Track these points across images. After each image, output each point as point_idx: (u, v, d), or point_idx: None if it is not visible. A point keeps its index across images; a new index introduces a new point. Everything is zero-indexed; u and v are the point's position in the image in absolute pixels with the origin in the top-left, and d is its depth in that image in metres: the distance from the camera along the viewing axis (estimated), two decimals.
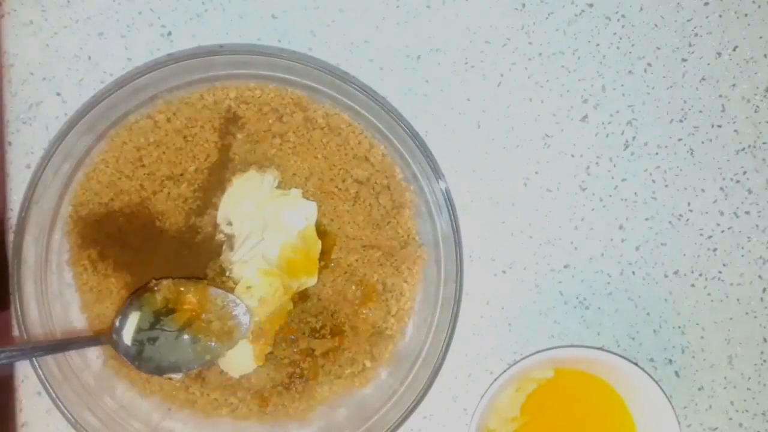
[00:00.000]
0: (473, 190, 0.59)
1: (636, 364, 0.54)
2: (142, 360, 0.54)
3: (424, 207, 0.56)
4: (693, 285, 0.60)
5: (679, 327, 0.60)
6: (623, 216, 0.60)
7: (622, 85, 0.60)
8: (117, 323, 0.54)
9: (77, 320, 0.55)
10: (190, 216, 0.56)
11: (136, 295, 0.54)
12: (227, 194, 0.55)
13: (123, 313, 0.54)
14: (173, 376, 0.54)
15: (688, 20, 0.60)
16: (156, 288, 0.54)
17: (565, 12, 0.60)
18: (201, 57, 0.54)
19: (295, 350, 0.56)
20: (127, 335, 0.54)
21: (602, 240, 0.59)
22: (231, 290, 0.54)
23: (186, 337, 0.54)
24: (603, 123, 0.60)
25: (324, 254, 0.56)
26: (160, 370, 0.54)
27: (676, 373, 0.60)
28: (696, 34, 0.60)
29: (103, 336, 0.54)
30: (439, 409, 0.59)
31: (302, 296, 0.56)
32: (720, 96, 0.60)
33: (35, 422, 0.57)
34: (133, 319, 0.54)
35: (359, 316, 0.56)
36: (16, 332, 0.53)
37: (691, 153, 0.60)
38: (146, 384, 0.55)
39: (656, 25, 0.60)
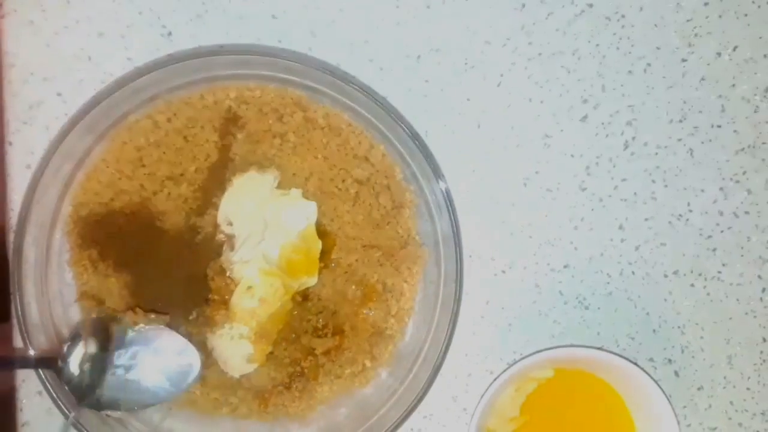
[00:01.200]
0: (473, 190, 0.59)
1: (636, 363, 0.54)
2: (83, 391, 0.51)
3: (424, 207, 0.56)
4: (693, 285, 0.60)
5: (679, 327, 0.60)
6: (623, 216, 0.60)
7: (622, 85, 0.60)
8: (65, 349, 0.52)
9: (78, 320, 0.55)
10: (190, 216, 0.56)
11: (88, 321, 0.53)
12: (227, 194, 0.55)
13: (72, 340, 0.52)
14: (111, 413, 0.53)
15: (688, 20, 0.60)
16: (113, 318, 0.53)
17: (565, 12, 0.60)
18: (201, 57, 0.54)
19: (296, 349, 0.56)
20: (74, 364, 0.51)
21: (602, 240, 0.60)
22: (231, 291, 0.54)
23: (133, 375, 0.52)
24: (603, 123, 0.60)
25: (324, 254, 0.56)
26: (99, 405, 0.52)
27: (676, 373, 0.60)
28: (696, 35, 0.60)
29: (48, 360, 0.51)
30: (439, 409, 0.59)
31: (303, 296, 0.56)
32: (720, 96, 0.60)
33: (35, 422, 0.57)
34: (82, 348, 0.52)
35: (359, 316, 0.56)
36: (16, 334, 0.53)
37: (691, 153, 0.60)
38: None
39: (656, 26, 0.60)
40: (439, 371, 0.54)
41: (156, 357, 0.53)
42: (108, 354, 0.52)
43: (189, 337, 0.54)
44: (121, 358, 0.52)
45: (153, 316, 0.54)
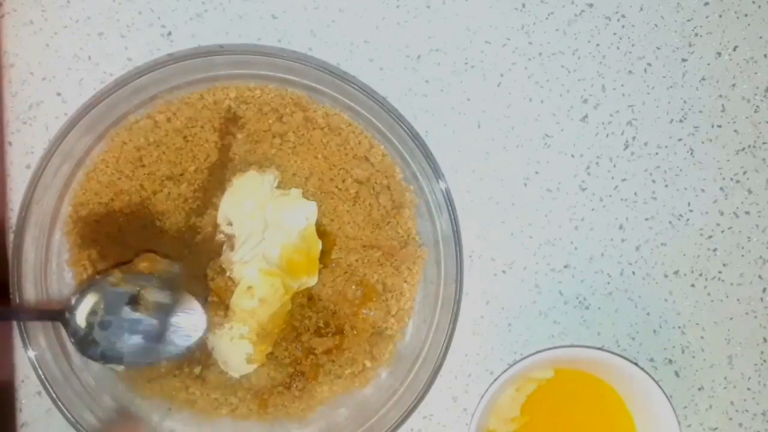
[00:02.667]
0: (473, 190, 0.59)
1: (636, 364, 0.54)
2: (88, 343, 0.52)
3: (424, 207, 0.56)
4: (693, 285, 0.60)
5: (679, 327, 0.60)
6: (623, 216, 0.60)
7: (622, 85, 0.60)
8: (73, 301, 0.53)
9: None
10: (190, 216, 0.56)
11: (99, 276, 0.54)
12: (227, 194, 0.55)
13: (81, 292, 0.53)
14: (115, 367, 0.54)
15: (688, 20, 0.60)
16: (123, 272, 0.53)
17: (565, 12, 0.59)
18: (201, 57, 0.54)
19: (296, 348, 0.56)
20: (81, 316, 0.52)
21: (602, 240, 0.59)
22: (231, 291, 0.54)
23: (138, 331, 0.53)
24: (603, 123, 0.60)
25: (324, 254, 0.56)
26: (104, 358, 0.53)
27: (676, 373, 0.60)
28: (696, 34, 0.60)
29: (55, 312, 0.53)
30: (439, 409, 0.59)
31: (308, 297, 0.56)
32: (720, 96, 0.60)
33: (35, 422, 0.56)
34: (90, 301, 0.53)
35: (359, 316, 0.56)
36: (15, 334, 0.53)
37: (691, 153, 0.60)
38: (146, 384, 0.55)
39: (656, 25, 0.60)
40: (439, 371, 0.53)
41: (162, 316, 0.54)
42: (115, 309, 0.53)
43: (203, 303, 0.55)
44: (127, 314, 0.53)
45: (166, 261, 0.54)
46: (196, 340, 0.54)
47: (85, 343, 0.53)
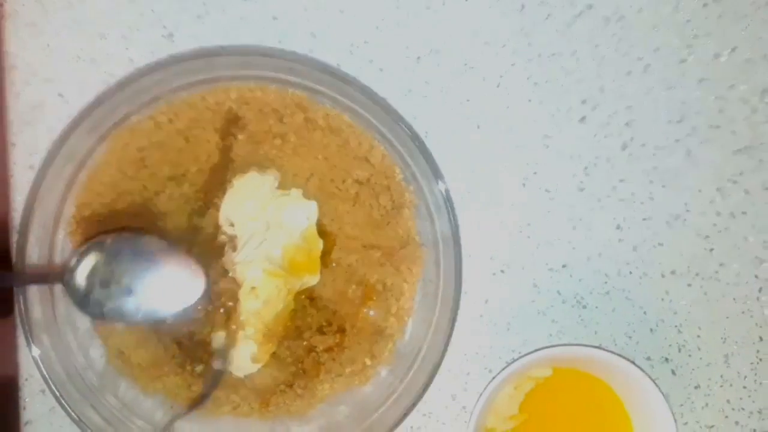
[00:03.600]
0: (473, 190, 0.59)
1: (633, 362, 0.54)
2: (89, 302, 0.53)
3: (424, 207, 0.57)
4: (690, 284, 0.60)
5: (676, 326, 0.60)
6: (621, 216, 0.60)
7: (621, 86, 0.60)
8: (73, 262, 0.53)
9: (80, 320, 0.55)
10: (192, 216, 0.56)
11: (100, 238, 0.54)
12: (228, 195, 0.55)
13: (81, 254, 0.53)
14: (116, 324, 0.55)
15: (687, 21, 0.60)
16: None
17: (564, 13, 0.60)
18: (202, 58, 0.54)
19: (298, 347, 0.56)
20: (81, 276, 0.53)
21: (600, 240, 0.60)
22: (234, 292, 0.54)
23: (139, 290, 0.53)
24: (601, 124, 0.60)
25: (324, 254, 0.56)
26: (105, 317, 0.54)
27: (673, 372, 0.60)
28: (695, 36, 0.60)
29: (55, 273, 0.53)
30: (439, 408, 0.59)
31: (310, 298, 0.57)
32: (718, 97, 0.60)
33: (39, 420, 0.57)
34: (90, 261, 0.53)
35: (359, 315, 0.57)
36: (20, 333, 0.54)
37: (689, 154, 0.60)
38: (149, 382, 0.56)
39: (655, 27, 0.60)
40: (438, 370, 0.54)
41: (163, 275, 0.54)
42: (116, 268, 0.53)
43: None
44: (128, 272, 0.53)
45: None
46: (196, 300, 0.54)
47: (86, 302, 0.53)
